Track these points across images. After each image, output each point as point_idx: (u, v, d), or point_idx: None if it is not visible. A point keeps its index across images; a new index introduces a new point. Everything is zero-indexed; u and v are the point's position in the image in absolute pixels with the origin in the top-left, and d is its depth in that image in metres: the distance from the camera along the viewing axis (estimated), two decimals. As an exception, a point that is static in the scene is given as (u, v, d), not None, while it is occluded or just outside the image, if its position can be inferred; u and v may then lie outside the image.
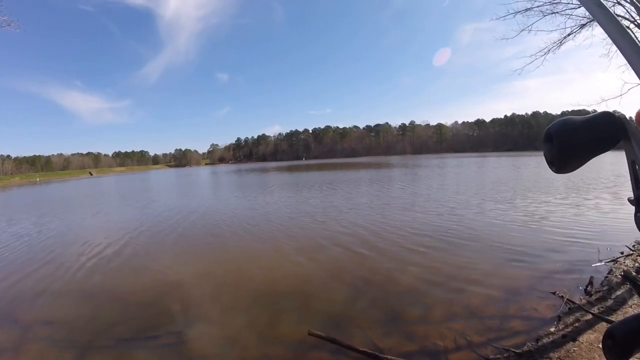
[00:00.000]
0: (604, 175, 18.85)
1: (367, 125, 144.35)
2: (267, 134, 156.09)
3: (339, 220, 10.39)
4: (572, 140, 0.47)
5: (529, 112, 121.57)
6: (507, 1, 7.14)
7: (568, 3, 6.68)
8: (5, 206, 23.89)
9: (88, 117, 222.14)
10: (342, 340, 3.52)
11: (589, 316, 3.76)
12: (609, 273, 5.13)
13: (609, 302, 4.10)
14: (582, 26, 6.91)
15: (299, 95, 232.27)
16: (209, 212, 13.75)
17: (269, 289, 5.42)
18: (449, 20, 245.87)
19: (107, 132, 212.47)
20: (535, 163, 34.19)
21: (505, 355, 3.30)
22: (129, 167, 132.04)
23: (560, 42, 7.29)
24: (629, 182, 0.45)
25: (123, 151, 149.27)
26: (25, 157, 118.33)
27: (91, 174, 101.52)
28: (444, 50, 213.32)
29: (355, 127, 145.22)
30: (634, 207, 0.44)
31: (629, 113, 0.51)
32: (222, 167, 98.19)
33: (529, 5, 6.89)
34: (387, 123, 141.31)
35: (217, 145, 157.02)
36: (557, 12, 6.82)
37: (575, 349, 3.17)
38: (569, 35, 7.13)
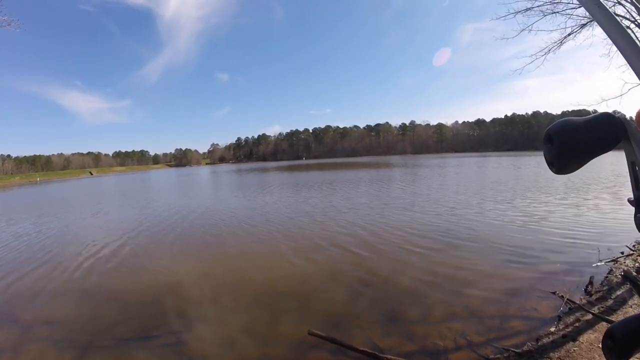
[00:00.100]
0: (604, 175, 18.84)
1: (367, 125, 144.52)
2: (267, 133, 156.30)
3: (339, 221, 10.39)
4: (572, 141, 0.47)
5: (530, 112, 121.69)
6: (507, 1, 7.14)
7: (568, 3, 6.68)
8: (5, 206, 23.90)
9: (88, 117, 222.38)
10: (342, 340, 3.52)
11: (589, 316, 3.76)
12: (609, 273, 5.13)
13: (609, 302, 4.10)
14: (583, 26, 6.91)
15: (299, 95, 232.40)
16: (208, 212, 13.75)
17: (269, 288, 5.42)
18: (449, 20, 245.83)
19: (108, 132, 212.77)
20: (535, 163, 34.18)
21: (505, 355, 3.30)
22: (129, 166, 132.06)
23: (561, 42, 7.29)
24: (629, 183, 0.45)
25: (123, 151, 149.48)
26: (25, 156, 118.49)
27: (91, 174, 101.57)
28: (444, 50, 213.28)
29: (356, 126, 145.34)
30: (634, 208, 0.44)
31: (630, 113, 0.51)
32: (223, 167, 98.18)
33: (529, 5, 6.89)
34: (387, 123, 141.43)
35: (217, 145, 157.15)
36: (557, 12, 6.82)
37: (575, 348, 3.17)
38: (569, 35, 7.13)
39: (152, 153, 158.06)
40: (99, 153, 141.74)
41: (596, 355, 3.00)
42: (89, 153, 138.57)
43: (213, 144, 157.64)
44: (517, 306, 4.33)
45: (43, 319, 4.76)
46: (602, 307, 3.99)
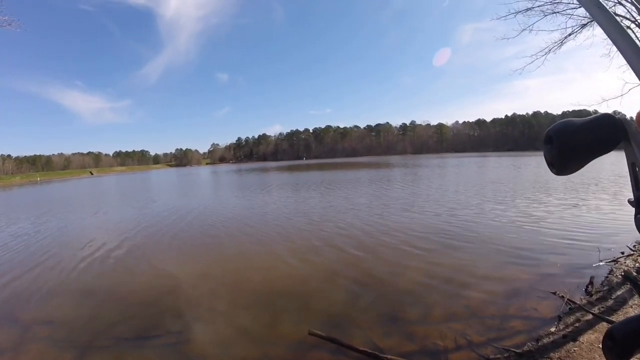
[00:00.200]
0: (605, 175, 18.83)
1: (367, 125, 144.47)
2: (267, 133, 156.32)
3: (338, 221, 10.39)
4: (572, 141, 0.46)
5: (530, 112, 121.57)
6: (508, 1, 7.13)
7: (569, 3, 6.67)
8: (6, 206, 23.92)
9: (89, 117, 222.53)
10: (342, 340, 3.52)
11: (590, 316, 3.75)
12: (609, 273, 5.13)
13: (610, 302, 4.10)
14: (583, 26, 6.90)
15: (299, 95, 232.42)
16: (208, 212, 13.75)
17: (269, 289, 5.42)
18: (449, 20, 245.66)
19: (108, 131, 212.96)
20: (535, 163, 34.16)
21: (505, 355, 3.30)
22: (129, 166, 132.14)
23: (561, 42, 7.28)
24: (629, 183, 0.45)
25: (124, 151, 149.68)
26: (26, 156, 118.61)
27: (92, 174, 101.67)
28: (444, 50, 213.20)
29: (356, 126, 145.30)
30: (634, 209, 0.44)
31: (630, 113, 0.51)
32: (223, 167, 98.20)
33: (529, 5, 6.87)
34: (387, 123, 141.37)
35: (217, 144, 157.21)
36: (558, 12, 6.81)
37: (575, 349, 3.17)
38: (569, 35, 7.12)
39: (152, 153, 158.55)
40: (100, 153, 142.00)
41: (596, 356, 2.99)
42: (89, 153, 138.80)
43: (213, 144, 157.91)
44: (518, 306, 4.33)
45: (43, 319, 4.77)
46: (603, 308, 3.98)
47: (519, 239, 7.42)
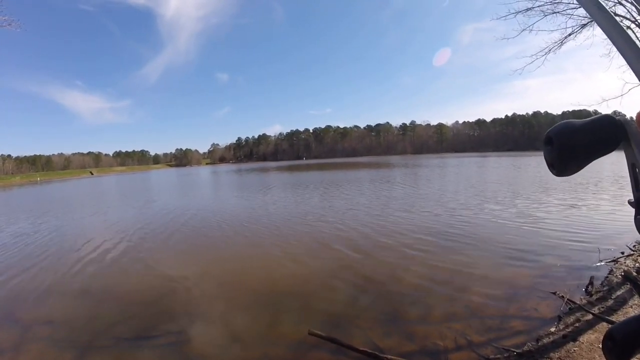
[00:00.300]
0: (605, 175, 18.83)
1: (367, 125, 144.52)
2: (267, 133, 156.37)
3: (338, 221, 10.39)
4: (572, 142, 0.46)
5: (530, 112, 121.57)
6: (508, 1, 7.13)
7: (569, 3, 6.66)
8: (5, 205, 23.92)
9: (89, 117, 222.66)
10: (342, 340, 3.52)
11: (590, 316, 3.75)
12: (609, 273, 5.12)
13: (610, 302, 4.10)
14: (583, 26, 6.90)
15: (299, 95, 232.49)
16: (208, 213, 13.76)
17: (269, 288, 5.42)
18: (449, 20, 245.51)
19: (108, 131, 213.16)
20: (535, 163, 34.15)
21: (505, 355, 3.30)
22: (129, 166, 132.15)
23: (561, 42, 7.28)
24: (629, 183, 0.45)
25: (124, 151, 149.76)
26: (26, 156, 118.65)
27: (92, 174, 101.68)
28: (444, 50, 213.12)
29: (356, 126, 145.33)
30: (634, 210, 0.44)
31: (630, 113, 0.51)
32: (223, 167, 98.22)
33: (529, 5, 6.87)
34: (387, 123, 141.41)
35: (217, 144, 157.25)
36: (558, 12, 6.80)
37: (575, 349, 3.17)
38: (569, 35, 7.11)
39: (152, 153, 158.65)
40: (100, 153, 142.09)
41: (596, 356, 2.99)
42: (89, 153, 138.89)
43: (213, 144, 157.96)
44: (518, 306, 4.33)
45: (43, 319, 4.76)
46: (603, 308, 3.98)
47: (518, 239, 7.42)
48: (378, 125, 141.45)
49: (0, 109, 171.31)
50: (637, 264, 5.36)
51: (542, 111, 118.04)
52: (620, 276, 4.86)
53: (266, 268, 6.43)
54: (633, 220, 0.44)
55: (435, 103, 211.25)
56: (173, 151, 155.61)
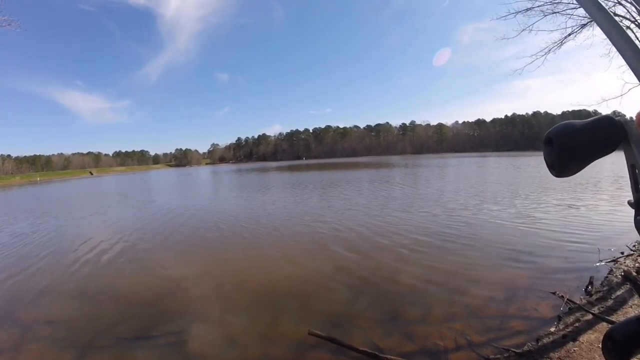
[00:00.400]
0: (604, 176, 18.83)
1: (367, 125, 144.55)
2: (267, 133, 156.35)
3: (338, 221, 10.39)
4: (571, 143, 0.46)
5: (530, 112, 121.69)
6: (507, 1, 7.12)
7: (569, 3, 6.66)
8: (5, 206, 23.90)
9: (89, 117, 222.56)
10: (342, 340, 3.52)
11: (590, 316, 3.75)
12: (609, 273, 5.13)
13: (610, 302, 4.10)
14: (583, 26, 6.90)
15: (299, 95, 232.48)
16: (208, 213, 13.76)
17: (269, 289, 5.42)
18: (449, 20, 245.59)
19: (108, 131, 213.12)
20: (535, 163, 34.15)
21: (505, 355, 3.30)
22: (129, 166, 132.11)
23: (561, 42, 7.28)
24: (629, 184, 0.45)
25: (123, 151, 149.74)
26: (25, 156, 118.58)
27: (91, 174, 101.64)
28: (444, 50, 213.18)
29: (356, 126, 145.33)
30: (633, 210, 0.44)
31: (630, 113, 0.51)
32: (223, 167, 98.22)
33: (529, 5, 6.87)
34: (387, 123, 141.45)
35: (217, 144, 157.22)
36: (557, 12, 6.80)
37: (575, 349, 3.17)
38: (569, 35, 7.11)
39: (152, 153, 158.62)
40: (99, 153, 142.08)
41: (596, 356, 3.00)
42: (89, 153, 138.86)
43: (213, 144, 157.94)
44: (517, 306, 4.33)
45: (43, 319, 4.76)
46: (602, 307, 3.98)
47: (518, 239, 7.42)
48: (378, 125, 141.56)
49: (0, 109, 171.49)
50: (637, 264, 5.36)
51: (542, 111, 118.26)
52: (620, 276, 4.86)
53: (265, 268, 6.43)
54: (633, 220, 0.44)
55: (435, 103, 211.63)
56: (173, 151, 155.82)
